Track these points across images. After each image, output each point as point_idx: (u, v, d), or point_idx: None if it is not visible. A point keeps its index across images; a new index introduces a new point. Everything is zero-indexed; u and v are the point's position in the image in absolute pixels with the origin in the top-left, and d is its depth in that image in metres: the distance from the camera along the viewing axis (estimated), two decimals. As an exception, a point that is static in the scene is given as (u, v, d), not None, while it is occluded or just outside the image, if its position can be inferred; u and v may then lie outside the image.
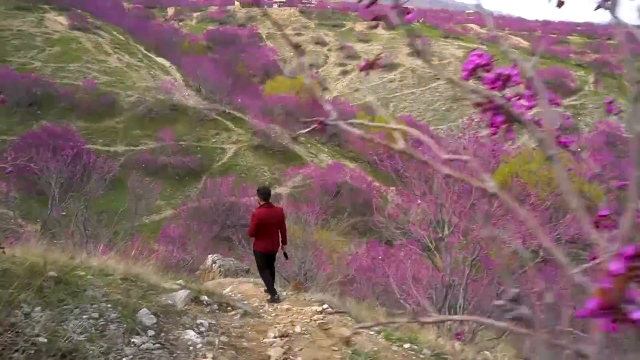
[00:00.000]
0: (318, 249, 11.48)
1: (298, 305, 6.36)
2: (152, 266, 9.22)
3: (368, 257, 15.65)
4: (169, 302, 4.45)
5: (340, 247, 19.91)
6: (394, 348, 4.85)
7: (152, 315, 3.75)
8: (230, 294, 6.97)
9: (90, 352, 2.72)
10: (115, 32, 53.09)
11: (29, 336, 2.57)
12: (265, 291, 6.64)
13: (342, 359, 4.20)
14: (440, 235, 7.58)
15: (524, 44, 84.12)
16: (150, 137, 37.07)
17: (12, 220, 11.61)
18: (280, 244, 6.72)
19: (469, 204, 7.39)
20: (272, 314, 5.63)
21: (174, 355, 3.26)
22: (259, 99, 49.12)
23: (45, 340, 2.58)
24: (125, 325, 3.35)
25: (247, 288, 7.63)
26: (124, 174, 26.32)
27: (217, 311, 4.88)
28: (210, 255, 10.38)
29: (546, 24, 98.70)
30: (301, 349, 4.23)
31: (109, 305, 3.59)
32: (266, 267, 6.64)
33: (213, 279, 9.82)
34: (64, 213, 11.83)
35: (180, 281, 5.94)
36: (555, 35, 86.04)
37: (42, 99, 37.26)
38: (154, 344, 3.27)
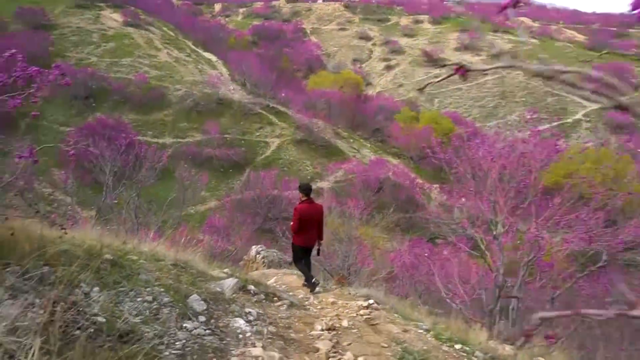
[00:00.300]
0: (362, 245, 11.34)
1: (343, 299, 6.27)
2: (199, 254, 9.41)
3: (411, 255, 15.36)
4: (218, 289, 4.47)
5: (383, 244, 19.67)
6: (445, 348, 4.67)
7: (202, 302, 3.76)
8: (275, 285, 6.97)
9: (146, 334, 2.74)
10: (165, 28, 54.80)
11: (89, 315, 2.61)
12: (304, 284, 6.75)
13: (393, 356, 4.07)
14: (493, 234, 7.25)
15: (579, 37, 79.97)
16: (196, 129, 38.03)
17: (70, 207, 12.19)
18: (317, 240, 6.93)
19: (525, 203, 7.04)
20: (318, 307, 5.57)
21: (224, 342, 3.24)
22: (303, 93, 49.32)
23: (104, 320, 2.62)
24: (177, 310, 3.36)
25: (291, 280, 7.61)
26: (171, 165, 27.12)
27: (264, 301, 4.86)
28: (254, 246, 10.48)
29: (606, 16, 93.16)
30: (349, 344, 4.14)
31: (162, 290, 3.62)
32: (302, 259, 6.91)
33: (257, 269, 9.90)
34: (116, 201, 12.32)
35: (227, 270, 5.98)
36: (615, 29, 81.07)
37: (97, 92, 39.03)
38: (205, 329, 3.27)
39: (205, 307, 3.72)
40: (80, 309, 2.61)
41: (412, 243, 18.74)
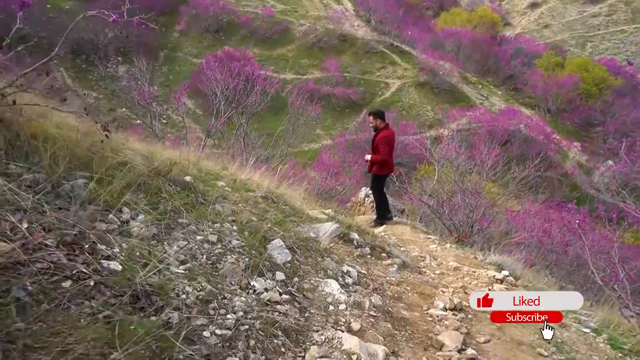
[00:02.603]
0: (488, 201, 9.65)
1: (468, 264, 4.96)
2: (302, 190, 8.58)
3: (542, 219, 13.20)
4: (312, 234, 3.48)
5: (509, 204, 17.36)
6: (625, 362, 3.19)
7: (286, 250, 2.79)
8: (383, 235, 5.86)
9: (182, 295, 1.82)
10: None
11: (103, 256, 1.75)
12: (376, 220, 6.71)
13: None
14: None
15: None
16: (317, 67, 37.42)
17: (183, 124, 12.38)
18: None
19: None
20: (437, 271, 4.34)
21: (305, 316, 2.25)
22: (430, 32, 45.29)
23: (120, 267, 1.75)
24: (247, 259, 2.41)
25: (403, 231, 6.45)
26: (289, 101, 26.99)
27: (368, 257, 3.78)
28: (363, 188, 9.42)
29: None
30: (488, 340, 2.90)
31: (234, 228, 2.71)
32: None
33: (364, 214, 8.89)
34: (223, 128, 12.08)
35: (329, 210, 5.00)
36: None
37: (227, 26, 40.14)
38: (280, 293, 2.30)
39: (289, 259, 2.74)
40: (98, 245, 1.72)
41: (546, 205, 16.35)
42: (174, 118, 30.81)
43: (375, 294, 2.90)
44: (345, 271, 2.98)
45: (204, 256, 2.26)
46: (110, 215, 2.12)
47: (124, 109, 32.23)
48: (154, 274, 1.79)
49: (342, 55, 38.06)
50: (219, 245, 2.42)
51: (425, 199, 8.89)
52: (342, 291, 2.62)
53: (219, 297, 1.98)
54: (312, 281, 2.65)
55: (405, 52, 39.59)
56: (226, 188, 3.94)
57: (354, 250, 3.68)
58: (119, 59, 36.37)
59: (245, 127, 11.01)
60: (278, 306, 2.18)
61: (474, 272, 4.56)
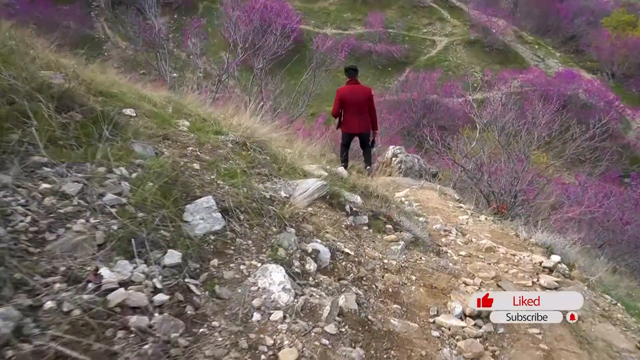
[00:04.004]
0: (536, 168, 8.29)
1: (506, 244, 3.85)
2: (320, 145, 7.55)
3: (601, 193, 11.63)
4: (282, 194, 2.46)
5: (559, 174, 15.64)
6: None
7: (217, 214, 1.80)
8: (402, 200, 4.77)
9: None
10: None
11: None
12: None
13: None
14: None
15: None
16: (359, 21, 35.39)
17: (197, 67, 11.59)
18: (371, 129, 6.22)
19: None
20: (462, 252, 3.25)
21: (196, 334, 1.26)
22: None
23: None
24: (116, 227, 1.43)
25: (429, 197, 5.35)
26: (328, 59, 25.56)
27: (365, 229, 2.73)
28: (391, 147, 8.25)
29: None
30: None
31: (133, 176, 1.72)
32: (347, 146, 6.38)
33: (390, 175, 7.79)
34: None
35: (328, 167, 3.98)
36: None
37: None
38: (158, 290, 1.31)
39: (217, 228, 1.74)
40: None
41: (603, 178, 14.66)
42: (212, 73, 30.09)
43: (353, 290, 1.88)
44: (309, 251, 1.96)
45: (29, 217, 1.32)
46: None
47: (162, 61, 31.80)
48: None
49: (386, 9, 35.70)
50: (75, 202, 1.46)
51: (462, 161, 7.64)
52: (288, 286, 1.61)
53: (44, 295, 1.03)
54: (242, 267, 1.66)
55: (456, 7, 36.72)
56: (181, 127, 2.96)
57: (344, 219, 2.64)
58: (158, 10, 35.70)
59: (263, 74, 9.89)
60: (134, 318, 1.21)
61: (513, 255, 3.43)
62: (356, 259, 2.23)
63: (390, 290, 2.13)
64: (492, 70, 30.66)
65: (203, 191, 1.97)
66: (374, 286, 2.07)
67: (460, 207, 5.21)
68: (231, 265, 1.64)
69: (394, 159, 8.08)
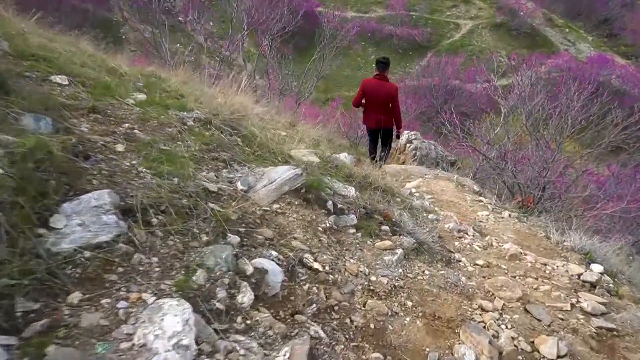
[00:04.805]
0: (568, 158, 7.48)
1: (534, 248, 3.20)
2: (329, 129, 6.94)
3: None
4: (239, 186, 1.86)
5: (590, 166, 14.59)
6: None
7: (111, 217, 1.21)
8: (412, 192, 4.13)
9: None
10: None
11: None
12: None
13: None
14: None
15: None
16: (380, 4, 34.30)
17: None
18: (395, 127, 6.02)
19: None
20: (479, 260, 2.59)
21: None
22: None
23: None
24: None
25: (444, 188, 4.70)
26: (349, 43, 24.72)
27: (351, 232, 2.11)
28: (406, 132, 7.54)
29: None
30: None
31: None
32: (373, 140, 6.29)
33: (403, 162, 7.11)
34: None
35: (345, 154, 3.37)
36: None
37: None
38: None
39: (105, 238, 1.14)
40: None
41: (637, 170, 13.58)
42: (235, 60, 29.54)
43: (311, 331, 1.26)
44: (248, 272, 1.32)
45: None
46: None
47: (178, 44, 31.36)
48: None
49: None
50: None
51: (483, 148, 6.88)
52: (187, 341, 0.98)
53: None
54: (120, 305, 1.06)
55: (482, -11, 35.17)
56: (127, 100, 2.40)
57: (323, 219, 2.02)
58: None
59: (272, 53, 9.21)
60: None
61: (544, 265, 2.75)
62: (329, 278, 1.61)
63: (372, 326, 1.51)
64: (519, 54, 29.26)
65: (102, 183, 1.37)
66: (347, 321, 1.46)
67: (480, 200, 4.53)
68: (103, 301, 1.06)
69: (408, 145, 7.38)
